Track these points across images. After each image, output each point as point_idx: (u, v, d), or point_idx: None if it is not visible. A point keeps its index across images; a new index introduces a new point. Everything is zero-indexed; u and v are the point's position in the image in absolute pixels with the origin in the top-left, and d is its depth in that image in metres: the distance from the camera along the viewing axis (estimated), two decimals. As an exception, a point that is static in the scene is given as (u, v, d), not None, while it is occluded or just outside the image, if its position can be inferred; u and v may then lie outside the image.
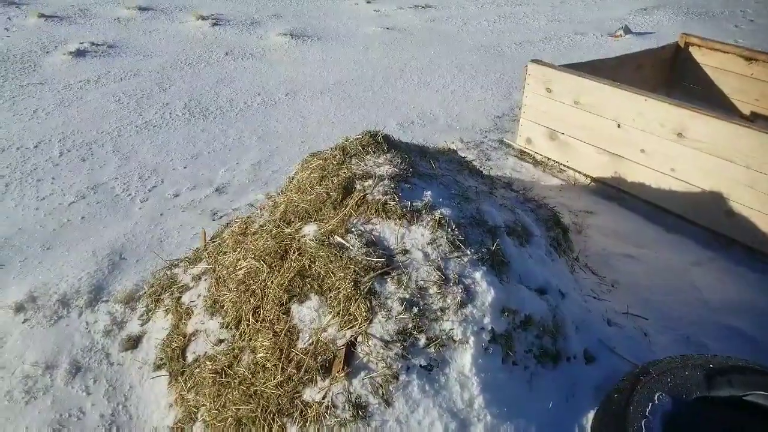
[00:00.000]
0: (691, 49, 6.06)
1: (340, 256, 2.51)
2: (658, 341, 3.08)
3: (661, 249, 3.92)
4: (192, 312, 2.96)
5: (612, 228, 4.12)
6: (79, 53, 7.48)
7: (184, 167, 4.87)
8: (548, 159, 4.94)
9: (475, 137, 5.55)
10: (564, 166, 4.84)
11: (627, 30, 9.29)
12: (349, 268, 2.45)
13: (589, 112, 4.47)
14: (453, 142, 5.18)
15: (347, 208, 2.68)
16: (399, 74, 7.29)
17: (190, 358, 2.74)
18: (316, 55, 7.99)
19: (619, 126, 4.31)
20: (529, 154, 5.08)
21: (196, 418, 2.49)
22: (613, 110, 4.32)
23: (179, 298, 3.11)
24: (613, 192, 4.49)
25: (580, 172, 4.73)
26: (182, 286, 3.19)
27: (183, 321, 2.95)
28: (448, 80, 7.13)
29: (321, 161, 3.01)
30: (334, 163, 2.94)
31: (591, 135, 4.54)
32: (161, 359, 2.84)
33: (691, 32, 6.22)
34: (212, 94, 6.41)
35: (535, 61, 4.82)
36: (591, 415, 2.46)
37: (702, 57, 6.00)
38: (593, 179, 4.65)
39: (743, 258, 3.82)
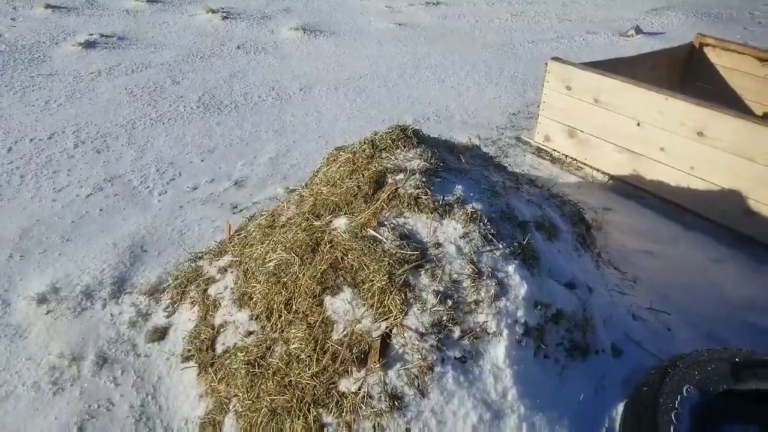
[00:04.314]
0: (705, 49, 6.06)
1: (374, 249, 2.51)
2: (680, 336, 3.10)
3: (680, 246, 3.94)
4: (219, 304, 2.96)
5: (631, 225, 4.13)
6: (89, 45, 7.46)
7: (202, 160, 4.87)
8: (566, 156, 4.95)
9: (491, 134, 5.56)
10: (582, 163, 4.85)
11: (638, 30, 9.30)
12: (383, 260, 2.45)
13: (609, 110, 4.48)
14: (471, 139, 5.19)
15: (379, 202, 2.69)
16: (413, 70, 7.29)
17: (219, 349, 2.74)
18: (329, 50, 7.99)
19: (638, 124, 4.32)
20: (546, 151, 5.09)
21: (228, 408, 2.49)
22: (633, 108, 4.33)
23: (206, 290, 3.11)
24: (631, 190, 4.51)
25: (598, 170, 4.74)
26: (208, 278, 3.20)
27: (210, 313, 2.95)
28: (462, 77, 7.14)
29: (350, 155, 3.01)
30: (364, 156, 2.93)
31: (610, 133, 4.55)
32: (189, 350, 2.84)
33: (702, 33, 6.23)
34: (226, 88, 6.41)
35: (555, 58, 4.83)
36: (620, 407, 2.47)
37: (716, 58, 6.00)
38: (611, 177, 4.66)
39: (762, 255, 3.84)
